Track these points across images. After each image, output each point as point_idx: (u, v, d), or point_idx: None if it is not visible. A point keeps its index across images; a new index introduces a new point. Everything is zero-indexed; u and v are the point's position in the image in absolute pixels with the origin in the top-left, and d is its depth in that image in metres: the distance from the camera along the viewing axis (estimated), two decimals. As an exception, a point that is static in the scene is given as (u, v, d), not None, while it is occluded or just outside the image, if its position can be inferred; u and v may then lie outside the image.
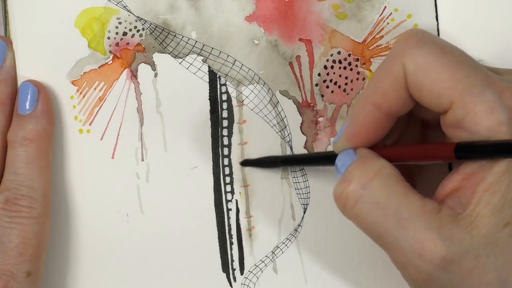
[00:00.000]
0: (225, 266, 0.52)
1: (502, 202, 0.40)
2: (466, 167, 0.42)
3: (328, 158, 0.48)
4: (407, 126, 0.48)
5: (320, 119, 0.52)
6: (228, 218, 0.52)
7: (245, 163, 0.52)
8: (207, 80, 0.52)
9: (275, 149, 0.52)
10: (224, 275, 0.52)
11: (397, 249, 0.42)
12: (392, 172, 0.43)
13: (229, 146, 0.52)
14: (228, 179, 0.52)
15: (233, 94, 0.52)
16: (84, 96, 0.52)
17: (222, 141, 0.52)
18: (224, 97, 0.52)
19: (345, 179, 0.44)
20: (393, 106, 0.44)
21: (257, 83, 0.52)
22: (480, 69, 0.42)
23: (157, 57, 0.52)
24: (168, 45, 0.52)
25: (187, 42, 0.52)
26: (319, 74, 0.52)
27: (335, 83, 0.52)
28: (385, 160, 0.44)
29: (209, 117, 0.52)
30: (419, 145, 0.44)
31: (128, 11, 0.52)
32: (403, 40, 0.44)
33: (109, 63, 0.52)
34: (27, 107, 0.50)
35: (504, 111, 0.41)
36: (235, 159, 0.52)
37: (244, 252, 0.52)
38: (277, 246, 0.52)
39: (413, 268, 0.41)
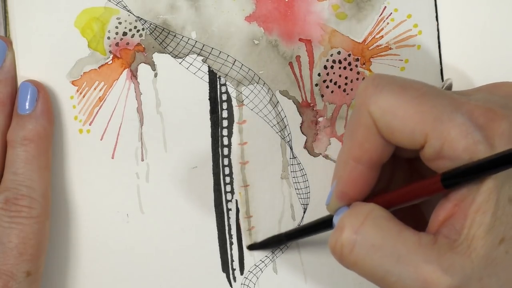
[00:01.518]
0: (225, 266, 0.52)
1: (494, 220, 0.40)
2: (456, 194, 0.41)
3: (327, 222, 0.48)
4: (394, 168, 0.48)
5: (320, 119, 0.52)
6: (228, 218, 0.52)
7: (252, 247, 0.52)
8: (207, 80, 0.52)
9: (275, 149, 0.52)
10: (224, 275, 0.52)
11: (402, 287, 0.42)
12: (382, 213, 0.43)
13: (229, 146, 0.52)
14: (228, 179, 0.52)
15: (233, 94, 0.52)
16: (84, 96, 0.52)
17: (222, 141, 0.52)
18: (224, 97, 0.52)
19: (338, 228, 0.43)
20: (373, 156, 0.44)
21: (257, 83, 0.52)
22: (445, 95, 0.42)
23: (157, 57, 0.52)
24: (168, 45, 0.52)
25: (187, 42, 0.52)
26: (319, 74, 0.52)
27: (335, 83, 0.52)
28: (373, 203, 0.44)
29: (209, 117, 0.52)
30: (406, 187, 0.44)
31: (128, 11, 0.52)
32: (362, 90, 0.44)
33: (109, 63, 0.52)
34: (27, 107, 0.50)
35: (477, 130, 0.40)
36: (235, 159, 0.52)
37: (244, 252, 0.52)
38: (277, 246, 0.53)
39: None
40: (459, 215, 0.41)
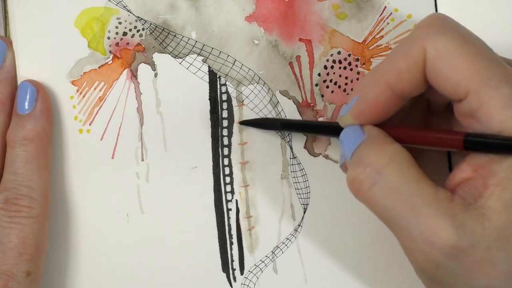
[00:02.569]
0: (225, 266, 0.52)
1: None
2: (476, 159, 0.42)
3: (331, 129, 0.48)
4: (412, 109, 0.48)
5: (320, 119, 0.52)
6: (228, 218, 0.52)
7: (244, 122, 0.52)
8: (207, 80, 0.52)
9: (275, 149, 0.52)
10: (224, 275, 0.52)
11: (407, 235, 0.42)
12: (407, 157, 0.43)
13: (229, 146, 0.52)
14: (228, 179, 0.52)
15: (233, 94, 0.52)
16: (84, 96, 0.52)
17: (222, 141, 0.52)
18: (224, 97, 0.52)
19: (360, 163, 0.43)
20: (406, 88, 0.44)
21: (257, 83, 0.52)
22: (499, 62, 0.42)
23: (157, 57, 0.52)
24: (168, 45, 0.52)
25: (187, 42, 0.52)
26: (319, 74, 0.52)
27: (335, 83, 0.52)
28: (399, 145, 0.43)
29: (209, 117, 0.52)
30: (428, 130, 0.44)
31: (128, 11, 0.52)
32: (425, 25, 0.44)
33: (109, 63, 0.52)
34: (26, 107, 0.50)
35: None
36: (235, 159, 0.52)
37: (244, 252, 0.52)
38: (277, 246, 0.52)
39: (422, 254, 0.41)
40: (477, 181, 0.41)
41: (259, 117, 0.52)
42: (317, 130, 0.50)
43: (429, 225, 0.41)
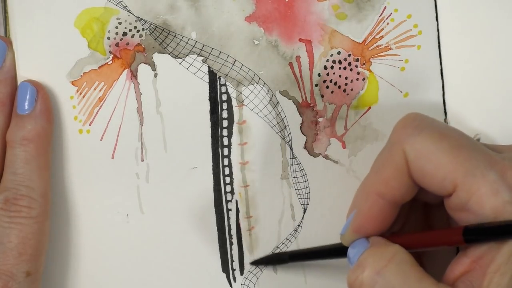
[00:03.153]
0: (225, 266, 0.52)
1: None
2: (475, 250, 0.42)
3: (338, 250, 0.48)
4: (410, 210, 0.48)
5: (320, 119, 0.52)
6: (228, 218, 0.52)
7: (255, 263, 0.52)
8: (207, 81, 0.52)
9: (275, 149, 0.52)
10: (224, 275, 0.52)
11: None
12: (407, 257, 0.43)
13: (229, 146, 0.52)
14: (228, 179, 0.52)
15: (233, 94, 0.52)
16: (84, 96, 0.52)
17: (222, 142, 0.52)
18: (224, 97, 0.52)
19: (360, 265, 0.44)
20: (397, 194, 0.44)
21: (257, 83, 0.52)
22: (481, 150, 0.42)
23: (157, 57, 0.52)
24: (168, 45, 0.52)
25: (187, 43, 0.52)
26: (319, 75, 0.52)
27: (335, 84, 0.52)
28: (399, 246, 0.44)
29: (209, 117, 0.52)
30: (427, 232, 0.45)
31: (128, 11, 0.52)
32: (401, 127, 0.44)
33: (109, 63, 0.52)
34: (26, 107, 0.50)
35: (508, 190, 0.41)
36: (235, 159, 0.52)
37: (244, 252, 0.52)
38: (277, 246, 0.52)
39: None
40: (477, 272, 0.41)
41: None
42: (325, 254, 0.50)
43: None
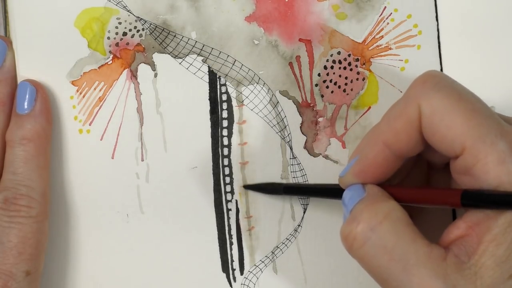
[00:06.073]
0: (225, 266, 0.52)
1: (507, 254, 0.40)
2: (472, 215, 0.42)
3: (333, 191, 0.48)
4: (413, 167, 0.48)
5: (320, 119, 0.52)
6: (228, 218, 0.52)
7: (247, 187, 0.52)
8: (207, 80, 0.52)
9: (275, 149, 0.52)
10: (224, 275, 0.52)
11: None
12: (402, 215, 0.43)
13: (229, 146, 0.52)
14: (228, 179, 0.52)
15: (233, 94, 0.52)
16: (84, 96, 0.52)
17: (222, 141, 0.52)
18: (224, 97, 0.52)
19: (354, 219, 0.43)
20: (404, 147, 0.44)
21: (257, 83, 0.52)
22: (495, 118, 0.42)
23: (157, 57, 0.52)
24: (168, 45, 0.52)
25: (187, 42, 0.52)
26: (319, 74, 0.52)
27: (335, 83, 0.52)
28: (395, 202, 0.44)
29: (209, 117, 0.52)
30: (426, 189, 0.44)
31: (128, 11, 0.52)
32: (420, 82, 0.44)
33: (109, 63, 0.52)
34: (25, 106, 0.50)
35: None
36: (235, 159, 0.52)
37: (244, 252, 0.52)
38: (277, 246, 0.52)
39: None
40: (472, 238, 0.41)
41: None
42: (320, 193, 0.50)
43: (422, 286, 0.41)
